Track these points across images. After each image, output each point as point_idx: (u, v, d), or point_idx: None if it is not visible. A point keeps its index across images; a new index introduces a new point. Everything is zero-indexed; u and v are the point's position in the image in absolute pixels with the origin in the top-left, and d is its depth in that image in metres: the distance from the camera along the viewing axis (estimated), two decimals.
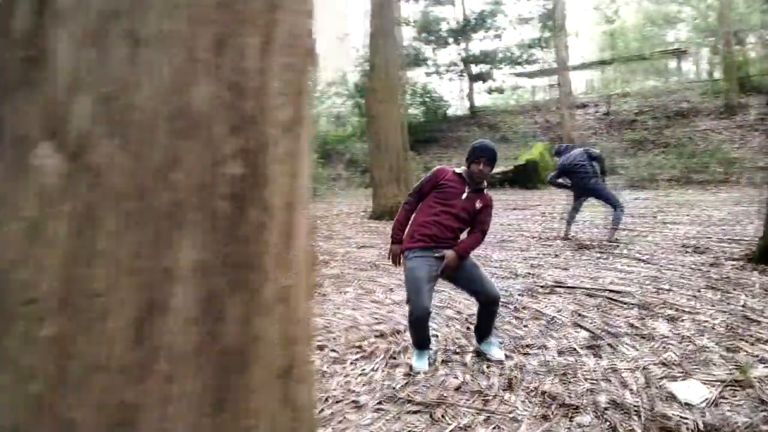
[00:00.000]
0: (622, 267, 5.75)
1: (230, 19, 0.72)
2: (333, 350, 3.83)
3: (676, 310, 4.23)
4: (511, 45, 22.76)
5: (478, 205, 3.46)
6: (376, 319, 4.48)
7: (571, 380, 3.12)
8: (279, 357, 0.81)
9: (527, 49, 21.63)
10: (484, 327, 3.57)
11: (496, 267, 6.07)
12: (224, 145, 0.71)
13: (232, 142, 0.71)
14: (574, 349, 3.56)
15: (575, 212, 7.69)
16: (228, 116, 0.71)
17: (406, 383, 3.20)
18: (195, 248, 0.68)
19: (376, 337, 4.02)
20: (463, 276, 3.44)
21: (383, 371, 3.39)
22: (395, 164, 10.47)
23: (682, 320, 4.00)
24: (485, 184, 3.53)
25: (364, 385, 3.21)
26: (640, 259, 6.03)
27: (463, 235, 3.56)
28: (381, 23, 10.74)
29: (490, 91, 24.22)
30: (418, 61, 23.47)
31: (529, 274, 5.65)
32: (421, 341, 3.48)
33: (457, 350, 3.66)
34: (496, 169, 16.28)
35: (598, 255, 6.39)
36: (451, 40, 23.03)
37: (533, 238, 7.87)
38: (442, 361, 3.49)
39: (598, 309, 4.37)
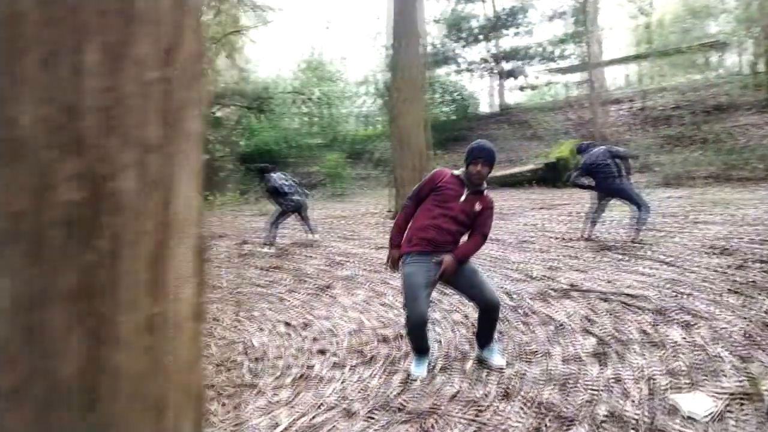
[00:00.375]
0: (642, 269, 5.56)
1: (60, 35, 0.68)
2: (334, 354, 3.81)
3: (693, 315, 4.06)
4: (542, 41, 22.33)
5: (477, 207, 3.38)
6: (382, 323, 4.44)
7: (571, 390, 3.02)
8: (150, 388, 0.78)
9: (559, 45, 21.18)
10: (484, 334, 3.49)
11: (511, 269, 5.95)
12: (55, 169, 0.67)
13: (66, 166, 0.68)
14: (579, 357, 3.45)
15: (599, 213, 7.48)
16: (59, 139, 0.68)
17: (402, 390, 3.15)
18: (12, 279, 0.65)
19: (379, 341, 3.99)
20: (462, 281, 3.37)
21: (381, 377, 3.35)
22: (418, 164, 10.39)
23: (698, 327, 3.83)
24: (485, 185, 3.45)
25: (359, 391, 3.18)
26: (662, 261, 5.82)
27: (465, 239, 3.49)
28: (403, 22, 10.68)
29: (521, 87, 23.84)
30: (447, 58, 23.27)
31: (545, 276, 5.51)
32: (420, 347, 3.43)
33: (459, 357, 3.59)
34: (525, 167, 16.05)
35: (620, 257, 6.19)
36: (480, 36, 22.76)
37: (556, 238, 7.68)
38: (442, 367, 3.43)
39: (610, 314, 4.23)
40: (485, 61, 23.20)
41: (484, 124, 21.62)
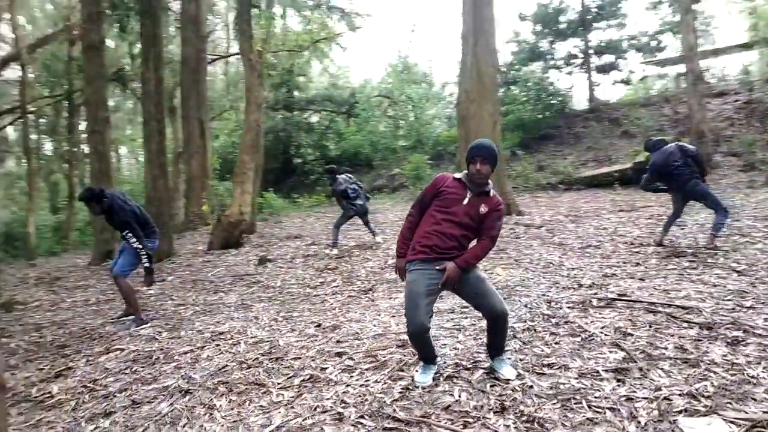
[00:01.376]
0: (708, 279, 5.10)
1: None
2: (350, 358, 3.84)
3: (745, 331, 3.67)
4: (637, 32, 21.03)
5: (482, 209, 3.26)
6: None
7: (574, 407, 2.84)
8: None
9: (656, 36, 19.82)
10: (493, 344, 3.37)
11: (563, 276, 5.67)
12: None
13: None
14: (597, 372, 3.24)
15: (674, 217, 6.91)
16: None
17: (400, 398, 3.12)
18: None
19: (397, 347, 3.96)
20: (468, 290, 3.27)
21: (385, 383, 3.34)
22: None
23: (745, 344, 3.47)
24: (490, 186, 3.33)
25: (359, 396, 3.19)
26: (734, 270, 5.30)
27: (474, 244, 3.38)
28: (473, 21, 10.49)
29: (615, 82, 22.59)
30: (536, 55, 22.54)
31: (595, 284, 5.20)
32: (425, 356, 3.37)
33: (471, 366, 3.49)
34: (612, 167, 15.17)
35: (688, 264, 5.72)
36: (571, 31, 21.83)
37: (625, 243, 7.22)
38: (449, 376, 3.35)
39: (650, 327, 3.92)
40: (576, 56, 22.23)
41: (573, 122, 20.72)
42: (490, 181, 3.36)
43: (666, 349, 3.52)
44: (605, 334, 3.83)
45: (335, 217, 14.38)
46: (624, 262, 6.10)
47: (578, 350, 3.61)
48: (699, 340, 3.61)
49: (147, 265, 5.02)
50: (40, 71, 21.12)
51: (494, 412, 2.86)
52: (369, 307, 5.12)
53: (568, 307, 4.50)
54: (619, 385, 3.05)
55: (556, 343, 3.76)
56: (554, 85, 22.15)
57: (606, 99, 22.70)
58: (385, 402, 3.06)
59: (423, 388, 3.21)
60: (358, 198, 8.43)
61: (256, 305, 5.65)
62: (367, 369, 3.60)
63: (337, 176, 8.65)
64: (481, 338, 4.00)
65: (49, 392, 3.63)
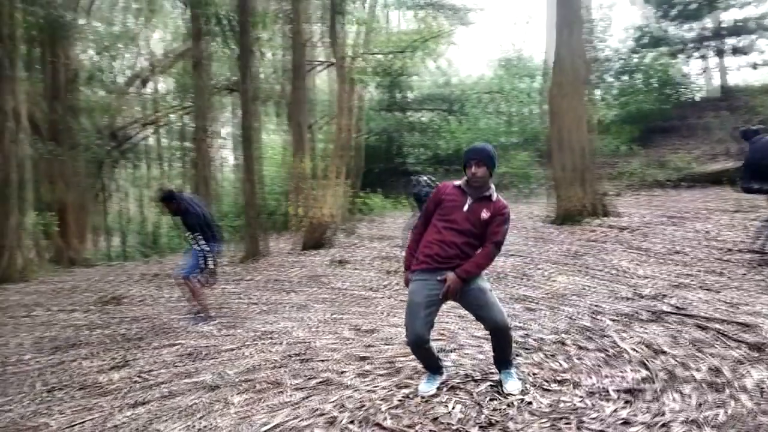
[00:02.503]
0: None
1: None
2: (371, 363, 3.94)
3: None
4: None
5: (484, 214, 3.20)
6: (442, 335, 4.41)
7: (563, 427, 2.74)
8: None
9: None
10: (498, 356, 3.31)
11: (626, 284, 5.33)
12: None
13: None
14: (606, 392, 3.07)
15: None
16: None
17: (397, 406, 3.17)
18: None
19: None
20: (469, 301, 3.24)
21: (390, 390, 3.40)
22: (578, 164, 9.68)
23: None
24: (492, 191, 3.26)
25: (359, 401, 3.28)
26: None
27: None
28: (565, 10, 10.03)
29: (755, 66, 20.28)
30: (656, 40, 20.88)
31: (657, 295, 4.84)
32: (428, 366, 3.39)
33: (479, 377, 3.45)
34: (734, 163, 13.63)
35: None
36: (696, 11, 19.94)
37: (720, 249, 6.57)
38: (453, 387, 3.35)
39: (692, 345, 3.61)
40: (702, 39, 20.28)
41: (698, 112, 18.97)
42: (492, 185, 3.30)
43: (698, 370, 3.23)
44: (636, 351, 3.59)
45: None
46: (705, 271, 5.58)
47: (599, 367, 3.43)
48: (740, 362, 3.27)
49: (210, 266, 5.49)
50: (174, 85, 23.40)
51: (479, 427, 2.83)
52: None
53: (611, 320, 4.25)
54: (623, 408, 2.88)
55: (579, 359, 3.59)
56: (678, 71, 20.42)
57: (739, 84, 20.51)
58: (380, 409, 3.13)
59: (423, 397, 3.24)
60: (423, 202, 8.44)
61: (314, 306, 5.93)
62: (381, 375, 3.69)
63: (419, 178, 8.72)
64: None
65: (110, 380, 4.13)
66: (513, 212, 11.11)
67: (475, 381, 3.41)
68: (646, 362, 3.39)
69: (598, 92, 21.08)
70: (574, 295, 5.16)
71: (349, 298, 6.15)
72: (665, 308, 4.40)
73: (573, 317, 4.43)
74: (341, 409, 3.19)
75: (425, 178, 8.76)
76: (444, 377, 3.43)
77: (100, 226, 21.68)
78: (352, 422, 3.01)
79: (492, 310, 3.17)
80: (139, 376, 4.16)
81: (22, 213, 11.48)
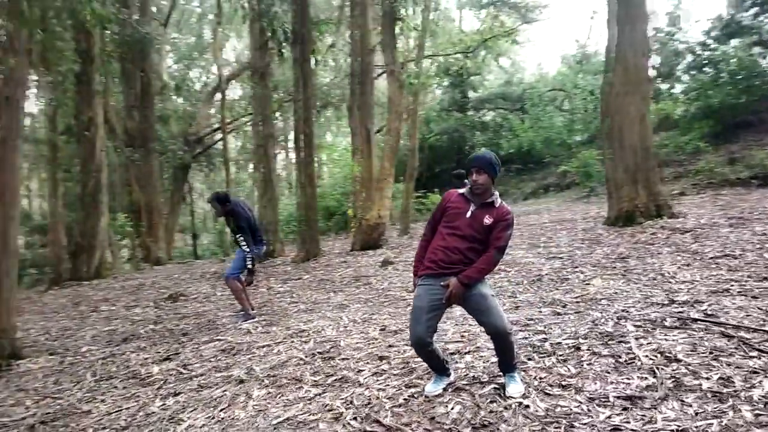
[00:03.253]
0: None
1: None
2: (388, 363, 4.10)
3: None
4: None
5: (487, 221, 3.28)
6: (463, 336, 4.50)
7: (552, 431, 2.79)
8: None
9: None
10: (501, 360, 3.39)
11: (662, 290, 5.19)
12: None
13: None
14: (607, 398, 3.08)
15: None
16: None
17: (402, 404, 3.32)
18: None
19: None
20: (471, 305, 3.33)
21: (398, 390, 3.55)
22: (636, 163, 9.37)
23: None
24: (495, 197, 3.33)
25: (366, 399, 3.46)
26: None
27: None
28: (626, 5, 9.73)
29: None
30: (737, 30, 19.67)
31: (690, 301, 4.70)
32: (433, 367, 3.51)
33: (485, 380, 3.53)
34: None
35: None
36: None
37: None
38: (459, 388, 3.45)
39: (711, 353, 3.52)
40: None
41: None
42: (496, 192, 3.38)
43: (707, 379, 3.17)
44: (649, 358, 3.54)
45: None
46: (750, 276, 5.34)
47: (607, 373, 3.42)
48: (755, 372, 3.18)
49: (249, 266, 5.82)
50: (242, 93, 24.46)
51: (472, 428, 2.93)
52: (449, 314, 5.27)
53: (634, 326, 4.18)
54: (618, 414, 2.89)
55: (590, 364, 3.59)
56: (760, 63, 19.15)
57: None
58: (384, 407, 3.29)
59: (427, 397, 3.36)
60: None
61: (352, 306, 6.14)
62: (394, 374, 3.84)
63: (465, 181, 8.78)
64: (522, 353, 3.97)
65: (153, 372, 4.52)
66: (570, 212, 10.93)
67: (481, 383, 3.49)
68: (656, 370, 3.36)
69: (666, 87, 20.17)
70: (605, 299, 5.08)
71: (386, 299, 6.31)
72: (694, 314, 4.28)
73: (597, 322, 4.39)
74: (348, 406, 3.38)
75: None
76: (451, 379, 3.54)
77: (178, 227, 23.00)
78: (355, 418, 3.19)
79: (492, 315, 3.25)
80: (178, 369, 4.51)
81: (100, 215, 12.45)
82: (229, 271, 5.94)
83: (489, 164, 3.29)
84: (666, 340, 3.84)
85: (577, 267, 6.56)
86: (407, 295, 6.35)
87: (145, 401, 3.90)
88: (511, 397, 3.22)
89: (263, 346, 4.84)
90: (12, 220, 5.00)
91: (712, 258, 6.29)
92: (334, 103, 19.87)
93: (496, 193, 3.39)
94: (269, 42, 11.46)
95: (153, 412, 3.65)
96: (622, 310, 4.65)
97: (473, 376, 3.61)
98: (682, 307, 4.59)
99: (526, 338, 4.25)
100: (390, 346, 4.48)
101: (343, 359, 4.27)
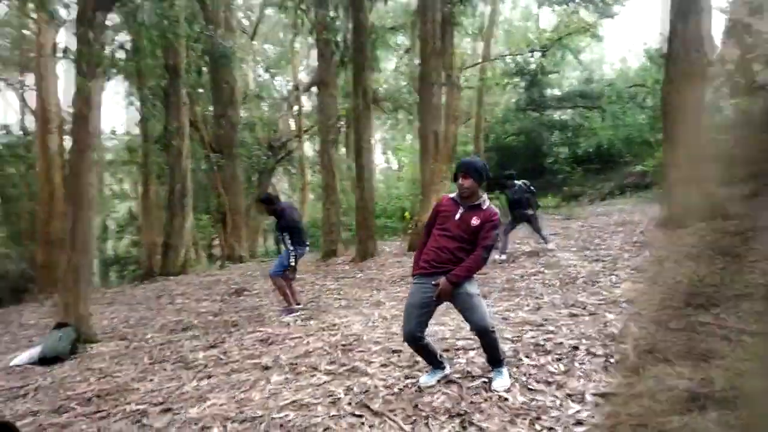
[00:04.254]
0: None
1: None
2: (398, 356, 4.40)
3: None
4: None
5: (474, 222, 3.50)
6: (469, 333, 4.70)
7: (518, 422, 3.01)
8: None
9: None
10: (487, 356, 3.60)
11: None
12: None
13: None
14: (582, 396, 3.24)
15: None
16: None
17: (394, 393, 3.62)
18: None
19: (454, 349, 4.33)
20: (458, 303, 3.57)
21: (398, 380, 3.85)
22: (692, 164, 9.01)
23: None
24: (483, 200, 3.54)
25: (366, 388, 3.78)
26: None
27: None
28: (680, 1, 9.40)
29: None
30: None
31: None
32: (428, 360, 3.77)
33: (478, 374, 3.75)
34: None
35: None
36: None
37: None
38: (450, 381, 3.69)
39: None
40: None
41: None
42: (484, 195, 3.59)
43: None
44: (640, 359, 3.61)
45: (562, 218, 14.07)
46: None
47: (595, 372, 3.55)
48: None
49: (292, 264, 6.31)
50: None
51: (448, 416, 3.19)
52: (453, 313, 5.49)
53: (641, 328, 4.22)
54: (588, 410, 3.04)
55: (581, 363, 3.72)
56: None
57: None
58: (378, 395, 3.61)
59: (420, 387, 3.64)
60: (525, 207, 8.49)
61: (387, 303, 6.47)
62: (400, 366, 4.13)
63: (513, 182, 8.82)
64: (523, 349, 4.14)
65: (197, 357, 5.08)
66: (640, 214, 10.52)
67: (473, 377, 3.72)
68: (641, 370, 3.44)
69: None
70: (627, 302, 5.09)
71: None
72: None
73: (608, 323, 4.45)
74: (348, 392, 3.72)
75: (522, 183, 8.84)
76: (446, 372, 3.78)
77: (261, 226, 24.33)
78: (349, 404, 3.53)
79: (475, 313, 3.48)
80: (218, 356, 5.06)
81: (186, 217, 13.59)
82: (273, 269, 6.46)
83: (474, 169, 3.52)
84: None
85: (614, 270, 6.51)
86: None
87: (184, 382, 4.44)
88: (495, 391, 3.43)
89: (296, 338, 5.28)
90: (85, 222, 5.78)
91: None
92: (405, 108, 20.26)
93: (484, 196, 3.61)
94: (334, 52, 12.03)
95: (186, 391, 4.17)
96: (637, 313, 4.66)
97: (468, 371, 3.83)
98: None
99: (533, 338, 4.40)
100: (451, 336, 4.71)
101: (360, 351, 4.61)
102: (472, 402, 3.32)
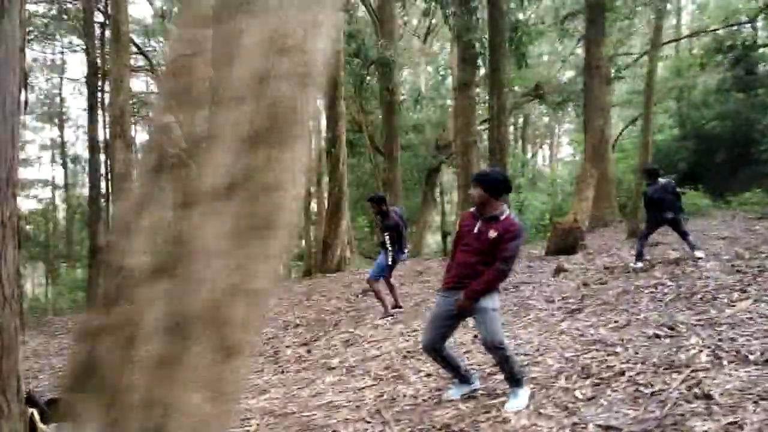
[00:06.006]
0: None
1: None
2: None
3: None
4: None
5: (491, 234, 3.45)
6: (539, 348, 4.53)
7: None
8: None
9: None
10: (504, 373, 3.51)
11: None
12: None
13: None
14: (585, 426, 3.02)
15: None
16: None
17: (412, 404, 3.73)
18: None
19: (479, 365, 4.27)
20: (474, 317, 3.55)
21: (430, 390, 3.94)
22: None
23: None
24: (500, 211, 3.47)
25: (396, 396, 3.94)
26: None
27: None
28: None
29: None
30: None
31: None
32: (452, 373, 3.78)
33: (502, 391, 3.67)
34: None
35: None
36: None
37: None
38: (472, 397, 3.68)
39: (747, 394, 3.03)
40: None
41: None
42: (503, 206, 3.52)
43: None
44: (681, 393, 3.21)
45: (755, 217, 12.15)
46: None
47: (621, 402, 3.26)
48: None
49: (389, 263, 6.57)
50: None
51: (436, 430, 3.22)
52: (540, 325, 5.26)
53: (714, 358, 3.69)
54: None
55: (614, 391, 3.43)
56: None
57: None
58: (398, 404, 3.74)
59: (441, 400, 3.68)
60: (665, 210, 7.63)
61: None
62: (442, 378, 4.18)
63: (658, 179, 7.96)
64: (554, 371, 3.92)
65: (285, 353, 5.64)
66: None
67: (497, 395, 3.64)
68: (667, 405, 3.07)
69: None
70: (729, 324, 4.43)
71: (520, 307, 6.38)
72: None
73: (681, 350, 3.96)
74: (377, 398, 3.91)
75: (666, 180, 7.93)
76: (474, 387, 3.76)
77: (428, 224, 25.03)
78: (369, 409, 3.72)
79: (482, 329, 3.45)
80: (302, 354, 5.56)
81: (342, 218, 14.67)
82: (372, 272, 6.79)
83: (483, 178, 3.49)
84: (726, 377, 3.36)
85: (750, 285, 5.63)
86: (543, 306, 6.32)
87: (263, 373, 5.01)
88: (507, 411, 3.34)
89: (374, 341, 5.56)
90: None
91: None
92: (572, 100, 19.17)
93: (504, 206, 3.53)
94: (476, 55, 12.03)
95: (257, 384, 4.72)
96: (725, 339, 4.05)
97: (496, 388, 3.76)
98: None
99: (590, 359, 4.10)
100: (467, 352, 4.76)
101: (419, 359, 4.73)
102: (475, 420, 3.29)
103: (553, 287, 7.25)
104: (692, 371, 3.51)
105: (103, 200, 19.67)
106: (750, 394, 3.05)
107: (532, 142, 40.11)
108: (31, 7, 21.78)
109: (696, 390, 3.21)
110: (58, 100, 29.67)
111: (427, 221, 24.87)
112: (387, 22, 18.70)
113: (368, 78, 19.99)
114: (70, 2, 20.75)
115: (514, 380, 3.49)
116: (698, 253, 7.61)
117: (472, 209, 3.70)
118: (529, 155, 38.31)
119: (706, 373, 3.46)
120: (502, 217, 3.47)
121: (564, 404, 3.35)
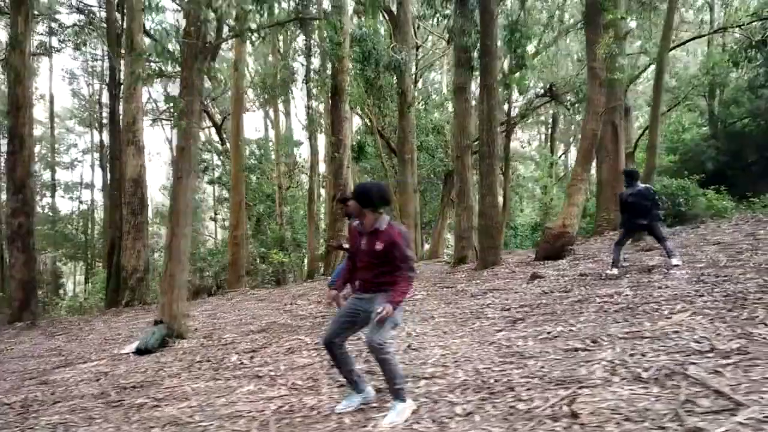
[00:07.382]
0: None
1: None
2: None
3: None
4: None
5: (378, 247, 3.47)
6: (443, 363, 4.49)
7: None
8: None
9: None
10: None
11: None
12: None
13: None
14: None
15: None
16: None
17: (305, 416, 3.75)
18: None
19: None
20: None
21: (324, 402, 3.96)
22: None
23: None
24: (380, 221, 3.48)
25: (295, 406, 3.97)
26: None
27: None
28: None
29: None
30: None
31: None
32: (343, 375, 3.80)
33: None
34: None
35: None
36: None
37: None
38: (361, 409, 3.67)
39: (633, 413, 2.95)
40: None
41: None
42: (384, 217, 3.51)
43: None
44: (551, 410, 3.15)
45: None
46: None
47: (492, 418, 3.21)
48: None
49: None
50: None
51: None
52: (471, 336, 5.20)
53: (623, 373, 3.59)
54: None
55: (495, 407, 3.39)
56: None
57: None
58: (295, 416, 3.78)
59: (331, 411, 3.69)
60: (645, 216, 7.38)
61: (437, 318, 6.36)
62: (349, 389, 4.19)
63: (635, 184, 7.69)
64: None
65: (232, 359, 5.74)
66: None
67: (386, 409, 3.62)
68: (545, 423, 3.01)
69: None
70: (655, 335, 4.29)
71: (471, 316, 6.31)
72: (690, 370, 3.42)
73: (588, 362, 3.87)
74: (276, 410, 3.95)
75: (643, 186, 7.68)
76: (366, 396, 3.75)
77: (444, 227, 24.78)
78: (262, 421, 3.76)
79: (371, 328, 3.42)
80: (245, 360, 5.64)
81: (344, 221, 14.77)
82: (332, 278, 6.84)
83: (356, 191, 3.58)
84: (606, 395, 3.26)
85: (703, 295, 5.44)
86: (491, 312, 6.24)
87: (197, 381, 5.11)
88: (382, 426, 3.33)
89: (314, 349, 5.59)
90: (182, 238, 6.87)
91: None
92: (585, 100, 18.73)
93: (384, 217, 3.52)
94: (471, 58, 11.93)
95: (183, 391, 4.81)
96: (636, 355, 3.93)
97: (389, 401, 3.74)
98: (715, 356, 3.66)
99: (500, 373, 4.05)
100: (424, 363, 4.65)
101: (424, 364, 4.71)
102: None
103: (518, 295, 7.15)
104: (579, 388, 3.45)
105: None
106: (618, 414, 2.97)
107: (564, 142, 39.31)
108: (62, 18, 22.90)
109: (567, 408, 3.14)
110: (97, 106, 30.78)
111: (446, 223, 24.61)
112: (402, 25, 18.65)
113: (382, 80, 19.97)
114: (96, 12, 21.65)
115: (395, 392, 3.47)
116: (674, 260, 7.37)
117: (356, 223, 3.71)
118: (560, 155, 37.53)
119: (590, 390, 3.38)
120: (383, 228, 3.47)
121: (440, 419, 3.32)
